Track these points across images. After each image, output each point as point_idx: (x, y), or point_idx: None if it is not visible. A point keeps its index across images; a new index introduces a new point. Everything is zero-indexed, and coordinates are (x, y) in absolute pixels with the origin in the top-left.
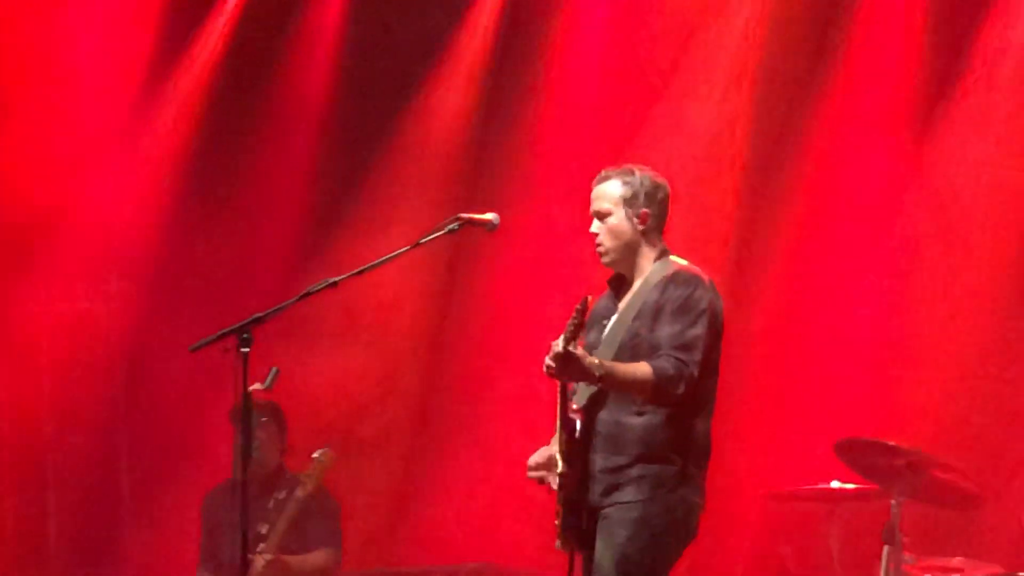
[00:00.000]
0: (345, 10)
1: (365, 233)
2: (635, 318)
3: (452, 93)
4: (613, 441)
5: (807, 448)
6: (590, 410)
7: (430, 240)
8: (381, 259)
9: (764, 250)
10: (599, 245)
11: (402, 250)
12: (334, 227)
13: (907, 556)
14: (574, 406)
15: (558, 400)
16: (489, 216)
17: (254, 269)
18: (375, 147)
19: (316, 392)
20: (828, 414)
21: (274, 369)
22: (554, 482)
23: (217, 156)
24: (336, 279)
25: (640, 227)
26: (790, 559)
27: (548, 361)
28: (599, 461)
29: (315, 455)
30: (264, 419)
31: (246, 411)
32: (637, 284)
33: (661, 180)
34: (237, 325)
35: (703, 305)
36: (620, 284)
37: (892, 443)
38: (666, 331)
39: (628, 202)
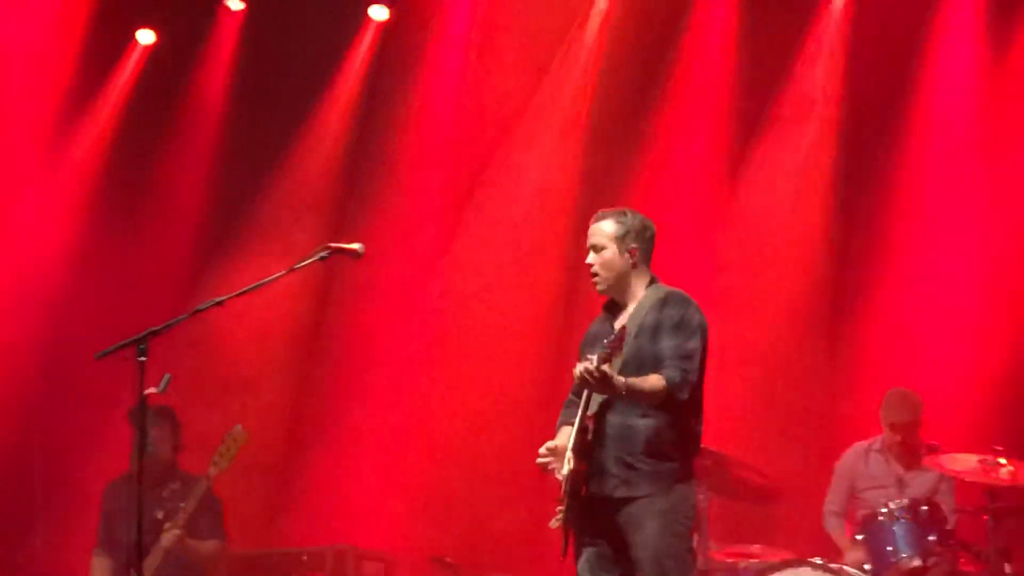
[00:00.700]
0: (238, 50)
1: (259, 254)
2: (636, 336)
3: (331, 128)
4: (624, 441)
5: None
6: (601, 416)
7: (303, 266)
8: (260, 282)
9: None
10: (595, 275)
11: (279, 274)
12: (228, 249)
13: (712, 544)
14: (588, 413)
15: (580, 406)
16: (355, 246)
17: (156, 286)
18: (264, 175)
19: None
20: None
21: (167, 376)
22: (558, 472)
23: (122, 187)
24: (222, 298)
25: (631, 260)
26: None
27: (585, 375)
28: (612, 458)
29: (228, 433)
30: (159, 420)
31: (142, 412)
32: (632, 307)
33: (648, 221)
34: (135, 337)
35: (696, 322)
36: (614, 307)
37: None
38: (667, 344)
39: (620, 239)
